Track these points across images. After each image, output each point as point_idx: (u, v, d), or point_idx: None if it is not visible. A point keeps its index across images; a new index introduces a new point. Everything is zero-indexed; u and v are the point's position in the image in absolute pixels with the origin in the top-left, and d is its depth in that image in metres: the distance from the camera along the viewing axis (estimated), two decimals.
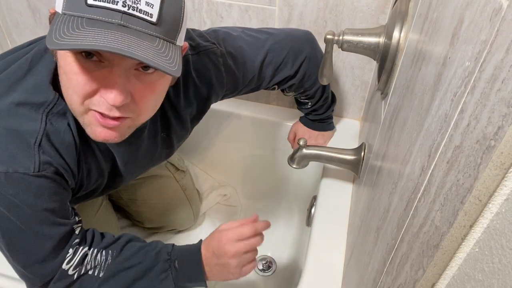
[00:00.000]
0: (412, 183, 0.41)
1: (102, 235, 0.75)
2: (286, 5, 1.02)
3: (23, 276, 0.69)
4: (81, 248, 0.70)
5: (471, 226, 0.28)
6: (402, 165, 0.47)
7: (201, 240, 0.77)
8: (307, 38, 0.94)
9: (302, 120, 1.13)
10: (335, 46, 0.78)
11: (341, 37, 0.75)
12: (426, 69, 0.45)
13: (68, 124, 0.65)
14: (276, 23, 1.06)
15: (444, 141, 0.34)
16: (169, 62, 0.55)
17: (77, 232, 0.70)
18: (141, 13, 0.53)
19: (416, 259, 0.36)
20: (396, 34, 0.65)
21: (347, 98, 1.16)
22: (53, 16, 0.58)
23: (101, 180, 0.78)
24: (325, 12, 1.01)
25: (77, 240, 0.69)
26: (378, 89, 0.75)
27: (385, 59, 0.70)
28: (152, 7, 0.54)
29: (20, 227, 0.63)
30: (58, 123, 0.64)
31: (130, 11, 0.53)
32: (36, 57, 0.66)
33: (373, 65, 1.06)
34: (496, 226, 0.24)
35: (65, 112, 0.65)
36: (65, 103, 0.64)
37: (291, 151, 0.97)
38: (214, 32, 0.84)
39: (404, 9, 0.65)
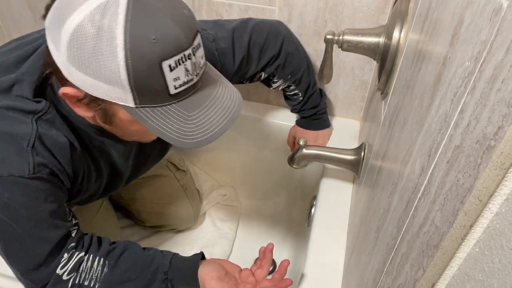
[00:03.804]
0: (412, 183, 0.41)
1: (100, 240, 0.74)
2: (286, 5, 1.02)
3: (20, 280, 0.68)
4: (77, 252, 0.69)
5: (471, 226, 0.28)
6: (402, 165, 0.47)
7: (197, 256, 0.76)
8: (279, 22, 0.98)
9: (298, 122, 1.13)
10: (335, 46, 0.78)
11: (341, 37, 0.75)
12: (426, 69, 0.45)
13: (58, 130, 0.65)
14: None
15: (444, 141, 0.34)
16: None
17: (73, 235, 0.69)
18: (203, 67, 0.60)
19: (416, 259, 0.36)
20: (396, 34, 0.65)
21: (347, 98, 1.16)
22: (86, 99, 0.57)
23: (100, 180, 0.77)
24: (325, 12, 1.01)
25: (73, 244, 0.68)
26: (378, 89, 0.75)
27: (385, 59, 0.70)
28: (203, 57, 0.60)
29: (17, 230, 0.63)
30: (47, 127, 0.64)
31: (200, 73, 0.59)
32: (21, 73, 0.64)
33: (373, 65, 1.06)
34: (496, 226, 0.24)
35: (53, 121, 0.65)
36: (56, 112, 0.64)
37: (291, 151, 0.97)
38: (201, 21, 0.87)
39: (404, 9, 0.65)
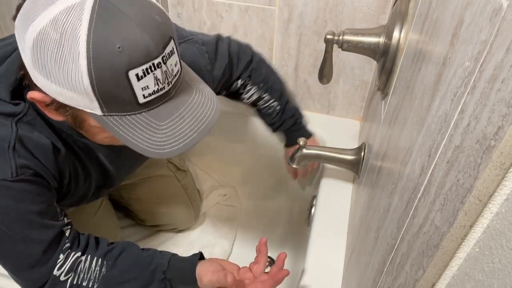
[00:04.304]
0: (412, 183, 0.41)
1: (98, 241, 0.74)
2: (286, 5, 1.02)
3: (16, 281, 0.68)
4: (73, 253, 0.68)
5: (471, 226, 0.28)
6: (402, 165, 0.47)
7: (196, 256, 0.76)
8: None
9: (285, 142, 1.09)
10: (335, 46, 0.78)
11: (341, 37, 0.75)
12: (426, 69, 0.45)
13: (40, 132, 0.64)
14: (276, 23, 1.07)
15: (444, 141, 0.34)
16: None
17: (67, 234, 0.68)
18: (177, 75, 0.58)
19: (416, 259, 0.36)
20: (396, 34, 0.65)
21: (347, 98, 1.16)
22: (54, 105, 0.56)
23: (89, 181, 0.77)
24: (325, 12, 1.01)
25: (67, 245, 0.68)
26: (378, 89, 0.75)
27: (385, 59, 0.70)
28: (176, 65, 0.57)
29: (8, 233, 0.62)
30: (28, 129, 0.63)
31: (173, 81, 0.57)
32: None
33: (373, 65, 1.06)
34: (496, 226, 0.24)
35: (34, 123, 0.63)
36: (36, 114, 0.63)
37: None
38: (183, 29, 0.87)
39: (404, 9, 0.65)
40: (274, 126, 1.04)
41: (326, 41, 0.77)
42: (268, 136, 1.25)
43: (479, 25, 0.30)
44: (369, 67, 1.07)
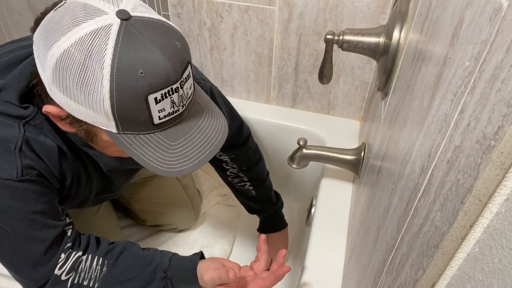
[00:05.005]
0: (412, 183, 0.41)
1: (98, 240, 0.74)
2: (286, 5, 1.02)
3: (17, 280, 0.68)
4: (74, 252, 0.69)
5: (471, 226, 0.28)
6: (402, 165, 0.47)
7: (196, 255, 0.76)
8: None
9: (260, 227, 1.12)
10: (335, 46, 0.78)
11: (341, 37, 0.75)
12: (426, 69, 0.45)
13: (46, 136, 0.65)
14: (276, 23, 1.07)
15: (444, 141, 0.34)
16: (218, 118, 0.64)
17: (69, 234, 0.69)
18: (191, 97, 0.59)
19: (416, 259, 0.36)
20: (396, 34, 0.65)
21: (347, 98, 1.16)
22: (69, 119, 0.57)
23: (90, 186, 0.77)
24: (325, 12, 1.01)
25: (69, 244, 0.68)
26: (378, 89, 0.75)
27: (385, 59, 0.70)
28: (191, 88, 0.59)
29: (10, 232, 0.62)
30: (35, 132, 0.64)
31: (187, 103, 0.58)
32: (10, 79, 0.64)
33: (373, 65, 1.06)
34: (496, 226, 0.24)
35: (41, 127, 0.64)
36: (44, 118, 0.64)
37: (291, 151, 0.97)
38: (196, 68, 0.89)
39: (404, 9, 0.65)
40: (253, 209, 1.09)
41: (326, 41, 0.77)
42: (269, 136, 1.25)
43: (479, 25, 0.30)
44: (369, 67, 1.07)
